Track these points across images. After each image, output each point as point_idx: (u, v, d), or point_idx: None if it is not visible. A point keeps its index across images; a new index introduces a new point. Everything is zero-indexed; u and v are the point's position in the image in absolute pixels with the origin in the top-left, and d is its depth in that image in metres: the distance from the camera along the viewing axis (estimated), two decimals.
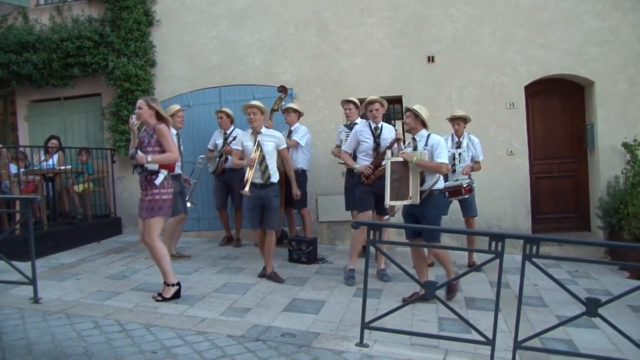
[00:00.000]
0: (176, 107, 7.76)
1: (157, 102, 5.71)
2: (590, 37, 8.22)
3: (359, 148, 6.63)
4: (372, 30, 8.83)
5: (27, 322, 4.90)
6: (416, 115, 5.73)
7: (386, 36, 8.78)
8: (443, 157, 5.59)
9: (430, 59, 8.64)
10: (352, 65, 8.88)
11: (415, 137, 5.80)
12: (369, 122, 6.64)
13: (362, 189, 6.58)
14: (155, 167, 5.47)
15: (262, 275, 6.64)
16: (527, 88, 8.47)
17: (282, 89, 8.02)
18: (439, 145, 5.62)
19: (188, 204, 6.23)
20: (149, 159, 5.41)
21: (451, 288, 5.84)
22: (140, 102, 5.58)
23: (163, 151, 5.51)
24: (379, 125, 6.55)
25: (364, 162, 6.50)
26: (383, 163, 6.13)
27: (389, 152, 5.80)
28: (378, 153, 6.43)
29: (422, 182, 5.62)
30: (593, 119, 8.34)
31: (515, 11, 8.41)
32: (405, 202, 5.64)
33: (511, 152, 8.43)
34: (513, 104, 8.42)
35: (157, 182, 5.49)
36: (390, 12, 8.76)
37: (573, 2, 8.26)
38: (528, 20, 8.38)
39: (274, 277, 6.51)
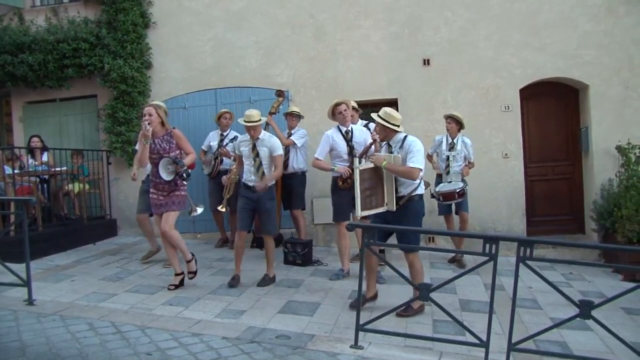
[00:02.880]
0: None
1: (161, 109, 6.06)
2: (585, 40, 8.26)
3: (332, 154, 6.64)
4: (368, 32, 8.84)
5: (21, 323, 4.90)
6: (384, 127, 5.33)
7: (382, 39, 8.80)
8: (416, 162, 5.13)
9: (426, 62, 8.66)
10: (348, 68, 8.89)
11: (391, 142, 5.43)
12: (338, 126, 6.67)
13: (340, 197, 6.60)
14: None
15: (233, 283, 6.33)
16: (522, 91, 8.50)
17: (280, 93, 8.07)
18: (413, 148, 5.18)
19: (199, 209, 6.47)
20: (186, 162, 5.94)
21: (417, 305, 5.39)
22: (149, 109, 5.92)
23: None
24: (349, 128, 6.60)
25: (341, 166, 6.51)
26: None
27: (356, 161, 5.46)
28: (353, 157, 6.19)
29: (396, 189, 5.31)
30: (587, 122, 8.37)
31: (511, 14, 8.44)
32: (381, 210, 5.35)
33: (506, 154, 8.45)
34: (508, 106, 8.45)
35: (186, 181, 6.04)
36: (387, 14, 8.78)
37: (568, 5, 8.30)
38: (523, 23, 8.41)
39: (267, 281, 6.39)
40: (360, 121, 7.38)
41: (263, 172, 6.31)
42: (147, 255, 7.55)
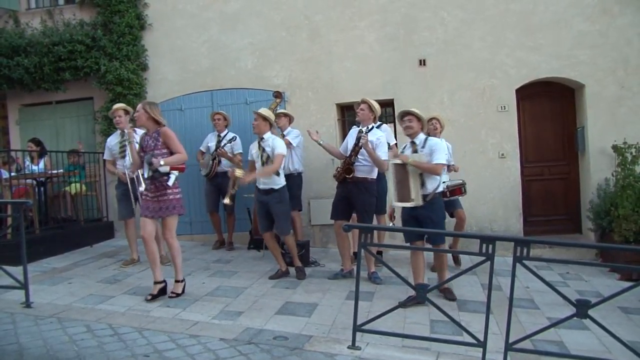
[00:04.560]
0: (115, 106, 7.47)
1: (153, 106, 5.85)
2: (580, 40, 8.27)
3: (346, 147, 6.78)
4: (363, 33, 8.86)
5: (19, 326, 4.88)
6: (419, 119, 5.80)
7: (377, 39, 8.81)
8: (440, 159, 5.64)
9: (422, 62, 8.67)
10: (343, 69, 8.90)
11: (415, 140, 5.83)
12: (359, 124, 6.74)
13: (336, 194, 6.78)
14: (166, 169, 5.64)
15: (277, 276, 6.77)
16: (518, 91, 8.51)
17: (278, 94, 8.09)
18: (437, 147, 5.67)
19: None
20: (162, 162, 5.58)
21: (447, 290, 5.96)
22: (138, 106, 5.81)
23: (171, 153, 5.70)
24: (364, 128, 6.61)
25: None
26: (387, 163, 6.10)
27: (390, 154, 5.92)
28: (356, 154, 6.49)
29: (423, 185, 5.68)
30: (583, 121, 8.39)
31: (506, 15, 8.46)
32: (408, 204, 5.70)
33: (502, 155, 8.47)
34: (504, 107, 8.46)
35: (170, 183, 5.69)
36: (381, 15, 8.79)
37: (563, 6, 8.32)
38: (518, 23, 8.42)
39: (301, 272, 6.81)
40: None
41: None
42: (128, 262, 7.48)
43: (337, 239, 6.82)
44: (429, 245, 5.96)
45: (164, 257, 7.57)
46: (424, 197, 5.67)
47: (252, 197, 8.09)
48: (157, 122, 5.76)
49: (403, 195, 5.73)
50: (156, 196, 5.73)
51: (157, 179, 5.67)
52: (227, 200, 7.26)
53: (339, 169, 6.68)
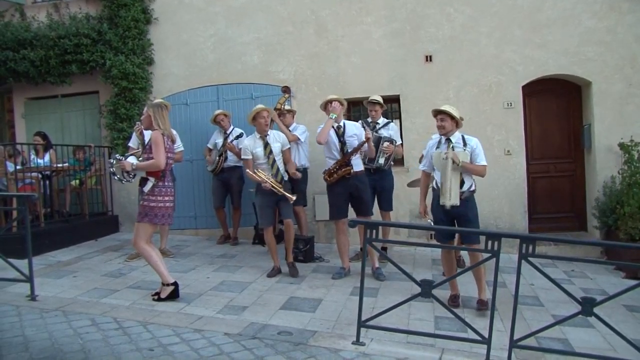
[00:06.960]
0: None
1: (158, 108, 5.57)
2: (588, 37, 8.23)
3: (328, 147, 6.60)
4: (370, 29, 8.83)
5: (24, 319, 4.91)
6: (452, 117, 5.54)
7: (384, 35, 8.79)
8: (484, 159, 5.56)
9: (428, 59, 8.64)
10: (349, 64, 8.88)
11: (451, 138, 5.60)
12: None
13: (335, 194, 6.60)
14: (142, 173, 5.53)
15: (273, 274, 6.69)
16: (525, 88, 8.47)
17: (286, 89, 8.09)
18: (477, 147, 5.55)
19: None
20: (134, 165, 5.47)
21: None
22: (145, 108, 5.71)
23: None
24: (341, 124, 6.59)
25: (329, 162, 6.60)
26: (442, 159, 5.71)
27: (443, 147, 5.56)
28: (344, 152, 6.46)
29: (462, 183, 5.50)
30: (590, 119, 8.35)
31: (513, 11, 8.42)
32: (447, 203, 5.44)
33: (508, 151, 8.44)
34: (510, 103, 8.43)
35: (146, 189, 5.51)
36: (388, 11, 8.76)
37: (570, 2, 8.26)
38: (525, 20, 8.38)
39: (292, 269, 6.73)
40: (382, 118, 7.42)
41: (278, 169, 6.48)
42: (133, 256, 7.46)
43: (342, 238, 6.68)
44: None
45: (168, 251, 7.64)
46: (460, 194, 5.47)
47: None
48: (158, 124, 5.50)
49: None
50: (138, 200, 5.66)
51: (139, 183, 5.59)
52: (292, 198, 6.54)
53: (331, 170, 6.53)
